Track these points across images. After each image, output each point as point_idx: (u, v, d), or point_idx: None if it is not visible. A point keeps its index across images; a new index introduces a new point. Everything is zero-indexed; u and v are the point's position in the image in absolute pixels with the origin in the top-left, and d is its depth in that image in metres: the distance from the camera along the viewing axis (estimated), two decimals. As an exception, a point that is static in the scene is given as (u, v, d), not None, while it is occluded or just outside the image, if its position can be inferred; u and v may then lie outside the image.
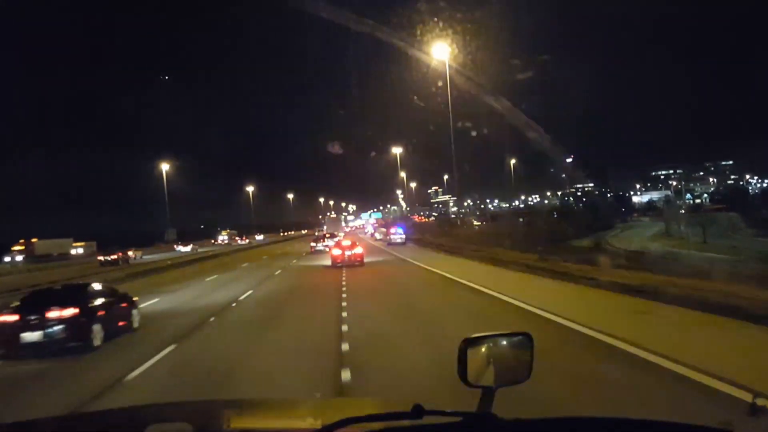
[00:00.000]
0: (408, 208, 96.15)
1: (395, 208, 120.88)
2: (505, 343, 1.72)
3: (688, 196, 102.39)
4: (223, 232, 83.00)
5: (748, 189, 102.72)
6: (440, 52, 28.96)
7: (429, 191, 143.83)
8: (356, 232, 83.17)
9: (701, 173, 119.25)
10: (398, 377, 6.12)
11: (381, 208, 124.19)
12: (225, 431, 1.86)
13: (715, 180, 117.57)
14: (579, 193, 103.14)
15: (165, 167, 54.73)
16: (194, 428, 1.66)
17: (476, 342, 1.66)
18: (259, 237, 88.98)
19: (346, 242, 25.51)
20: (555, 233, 38.74)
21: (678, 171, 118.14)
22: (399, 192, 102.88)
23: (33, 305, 8.96)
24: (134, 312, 10.76)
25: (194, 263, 35.39)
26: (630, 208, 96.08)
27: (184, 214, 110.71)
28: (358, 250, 23.84)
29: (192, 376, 6.90)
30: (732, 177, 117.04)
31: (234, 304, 13.58)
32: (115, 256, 39.19)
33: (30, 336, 8.37)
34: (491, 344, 1.69)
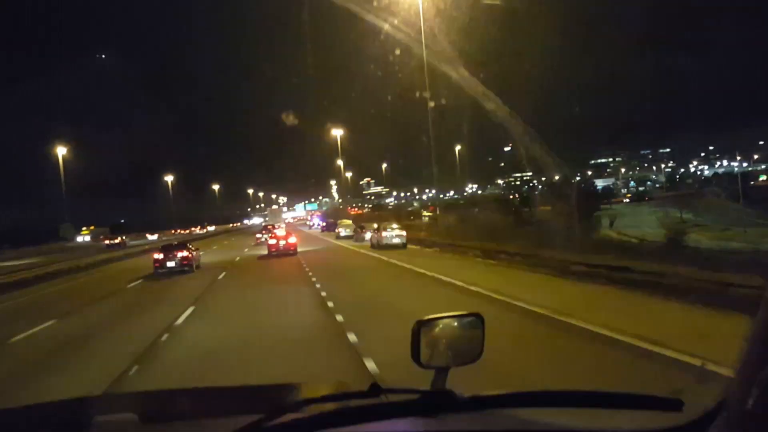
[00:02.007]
0: (340, 200, 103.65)
1: (327, 199, 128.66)
2: (456, 324, 1.96)
3: (632, 183, 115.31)
4: (84, 231, 73.08)
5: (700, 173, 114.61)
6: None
7: (361, 183, 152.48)
8: (296, 226, 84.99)
9: (645, 162, 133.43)
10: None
11: (312, 200, 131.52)
12: (172, 419, 2.13)
13: (662, 167, 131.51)
14: (518, 183, 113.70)
15: (62, 151, 51.03)
16: (140, 417, 1.96)
17: (429, 324, 1.89)
18: (152, 237, 78.74)
19: (281, 233, 33.25)
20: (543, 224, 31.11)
21: (617, 159, 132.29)
22: (333, 183, 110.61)
23: (168, 250, 24.51)
24: (199, 258, 26.27)
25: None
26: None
27: (94, 207, 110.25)
28: (292, 239, 30.81)
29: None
30: (670, 164, 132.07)
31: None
32: (118, 240, 62.84)
33: (169, 263, 23.67)
34: (443, 325, 1.92)
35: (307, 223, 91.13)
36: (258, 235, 47.94)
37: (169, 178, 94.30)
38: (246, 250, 37.93)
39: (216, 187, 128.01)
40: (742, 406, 1.04)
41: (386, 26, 27.35)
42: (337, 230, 46.06)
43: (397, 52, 31.95)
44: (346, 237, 41.77)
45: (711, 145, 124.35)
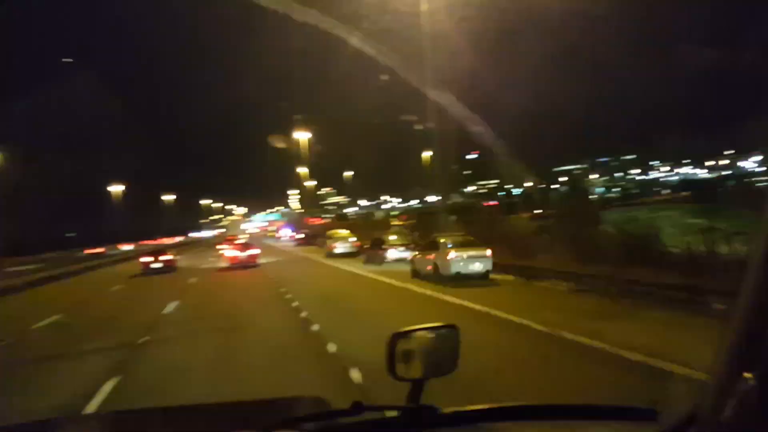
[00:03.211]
0: (301, 210, 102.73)
1: (286, 209, 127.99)
2: (432, 335, 2.04)
3: (602, 189, 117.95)
4: None
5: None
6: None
7: (319, 192, 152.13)
8: (260, 238, 76.01)
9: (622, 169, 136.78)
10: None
11: (272, 210, 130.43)
12: None
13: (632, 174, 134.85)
14: (482, 191, 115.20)
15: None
16: None
17: (404, 336, 1.95)
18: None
19: (241, 244, 33.65)
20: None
21: (580, 167, 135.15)
22: (292, 192, 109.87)
23: (154, 253, 32.97)
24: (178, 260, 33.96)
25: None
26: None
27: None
28: (254, 251, 30.83)
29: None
30: (633, 171, 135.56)
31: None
32: (101, 249, 65.25)
33: (155, 265, 31.17)
34: (419, 337, 1.99)
35: (276, 235, 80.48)
36: (220, 247, 47.15)
37: (116, 188, 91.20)
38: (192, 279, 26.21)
39: (169, 197, 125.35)
40: (715, 415, 1.05)
41: (351, 39, 27.63)
42: (328, 245, 35.14)
43: (362, 66, 32.29)
44: (344, 255, 32.80)
45: (670, 153, 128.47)
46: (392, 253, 26.14)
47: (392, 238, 28.17)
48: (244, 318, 13.85)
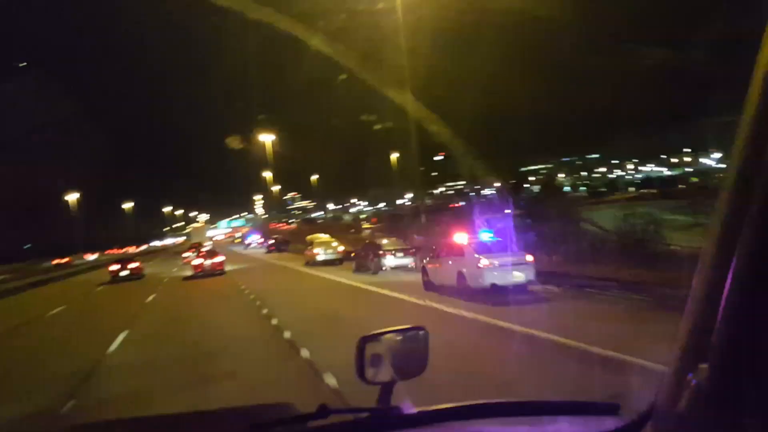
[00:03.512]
0: (266, 215, 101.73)
1: (251, 215, 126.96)
2: (401, 338, 2.07)
3: (568, 188, 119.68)
4: None
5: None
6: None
7: (285, 197, 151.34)
8: (225, 245, 75.29)
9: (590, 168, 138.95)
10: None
11: (238, 215, 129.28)
12: None
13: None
14: (451, 192, 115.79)
15: None
16: None
17: (373, 339, 1.99)
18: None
19: (207, 252, 33.65)
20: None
21: (547, 166, 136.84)
22: (257, 198, 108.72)
23: (121, 262, 36.06)
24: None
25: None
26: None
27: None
28: (219, 258, 30.41)
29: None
30: (598, 170, 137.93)
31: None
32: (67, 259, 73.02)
33: (123, 273, 34.55)
34: (388, 340, 2.03)
35: (244, 241, 73.84)
36: (185, 255, 47.39)
37: (72, 197, 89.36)
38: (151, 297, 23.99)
39: (128, 205, 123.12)
40: (672, 407, 1.09)
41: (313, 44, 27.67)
42: (308, 251, 31.80)
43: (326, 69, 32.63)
44: (327, 263, 29.59)
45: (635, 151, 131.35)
46: (390, 260, 23.46)
47: (385, 242, 25.52)
48: (221, 365, 9.68)
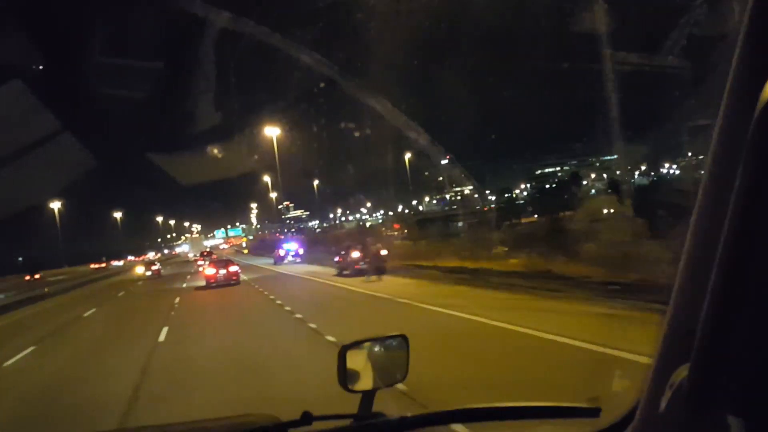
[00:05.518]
0: (258, 225, 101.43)
1: (244, 225, 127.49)
2: (381, 346, 2.18)
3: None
4: None
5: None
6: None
7: (280, 207, 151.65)
8: (232, 257, 57.28)
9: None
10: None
11: (229, 226, 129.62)
12: None
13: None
14: (459, 197, 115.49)
15: None
16: None
17: (354, 347, 2.09)
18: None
19: (219, 260, 34.16)
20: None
21: (565, 168, 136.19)
22: (254, 206, 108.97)
23: (147, 264, 60.95)
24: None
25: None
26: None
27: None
28: (233, 267, 30.19)
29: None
30: (617, 172, 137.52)
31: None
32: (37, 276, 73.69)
33: (147, 273, 52.65)
34: (369, 348, 2.13)
35: (278, 251, 48.46)
36: (200, 262, 55.89)
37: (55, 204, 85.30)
38: None
39: (118, 215, 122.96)
40: (654, 409, 1.12)
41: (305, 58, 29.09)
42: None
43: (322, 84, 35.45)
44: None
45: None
46: None
47: None
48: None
